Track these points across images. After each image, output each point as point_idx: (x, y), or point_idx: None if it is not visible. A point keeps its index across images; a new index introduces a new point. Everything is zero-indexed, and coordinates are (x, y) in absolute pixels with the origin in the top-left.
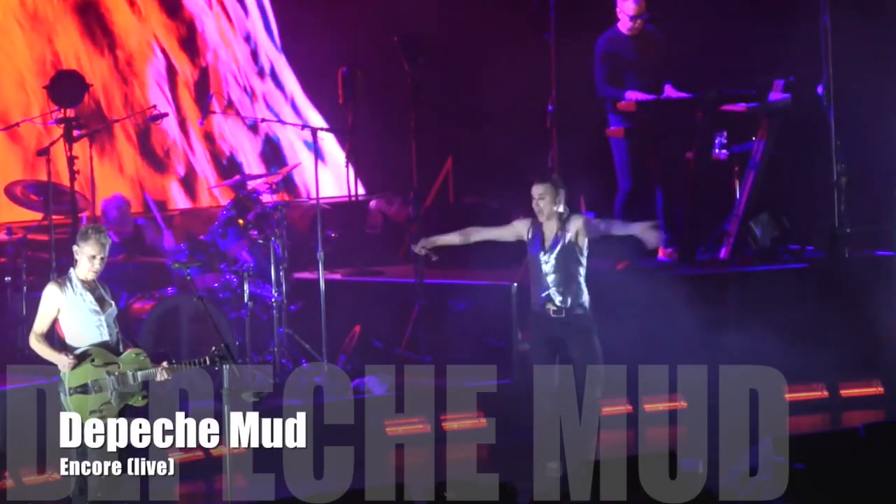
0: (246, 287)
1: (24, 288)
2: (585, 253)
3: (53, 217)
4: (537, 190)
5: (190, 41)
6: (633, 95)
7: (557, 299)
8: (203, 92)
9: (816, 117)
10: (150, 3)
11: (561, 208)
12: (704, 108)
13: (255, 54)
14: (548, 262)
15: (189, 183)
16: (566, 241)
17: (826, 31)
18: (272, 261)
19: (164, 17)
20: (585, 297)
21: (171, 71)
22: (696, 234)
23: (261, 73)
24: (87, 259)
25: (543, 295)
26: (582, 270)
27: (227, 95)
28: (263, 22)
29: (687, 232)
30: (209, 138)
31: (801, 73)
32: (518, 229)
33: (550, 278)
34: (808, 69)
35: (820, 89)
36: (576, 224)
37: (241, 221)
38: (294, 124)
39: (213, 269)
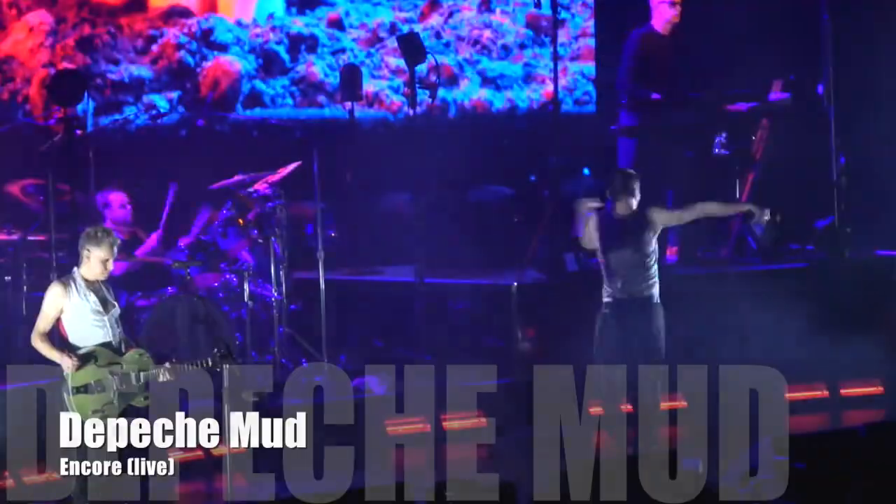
0: (246, 286)
1: (25, 288)
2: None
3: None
4: None
5: None
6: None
7: None
8: None
9: (816, 117)
10: None
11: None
12: (704, 108)
13: None
14: None
15: None
16: None
17: (826, 31)
18: (272, 260)
19: None
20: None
21: None
22: (696, 234)
23: None
24: (99, 262)
25: None
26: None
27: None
28: None
29: (687, 231)
30: None
31: (801, 73)
32: None
33: None
34: (808, 69)
35: (820, 89)
36: None
37: (241, 221)
38: (293, 123)
39: (213, 268)
